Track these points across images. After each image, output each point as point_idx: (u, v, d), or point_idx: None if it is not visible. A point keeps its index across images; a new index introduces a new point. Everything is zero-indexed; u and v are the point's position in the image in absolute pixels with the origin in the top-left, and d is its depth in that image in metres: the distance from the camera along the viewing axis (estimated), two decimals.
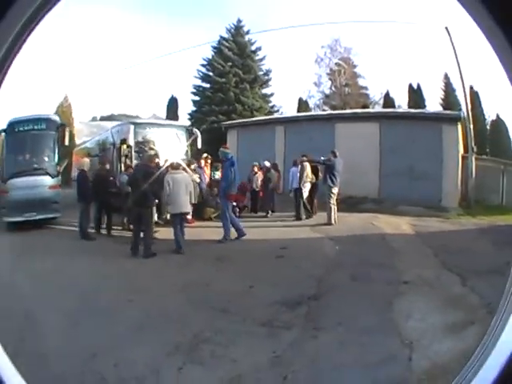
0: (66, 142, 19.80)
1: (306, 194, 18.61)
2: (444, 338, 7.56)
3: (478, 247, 12.91)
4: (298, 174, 18.78)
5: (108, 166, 18.19)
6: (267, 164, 20.32)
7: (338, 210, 17.28)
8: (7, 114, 18.08)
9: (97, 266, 12.56)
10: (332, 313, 8.86)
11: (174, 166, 15.01)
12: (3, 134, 17.92)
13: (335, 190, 17.23)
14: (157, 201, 14.80)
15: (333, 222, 16.96)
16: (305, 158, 18.85)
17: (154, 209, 15.04)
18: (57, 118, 19.31)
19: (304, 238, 15.30)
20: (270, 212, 19.30)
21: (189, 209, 14.82)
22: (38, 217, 17.01)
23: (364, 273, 11.20)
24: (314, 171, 19.08)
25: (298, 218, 18.44)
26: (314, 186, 19.16)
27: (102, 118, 31.96)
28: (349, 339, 7.63)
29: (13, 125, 17.93)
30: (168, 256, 13.50)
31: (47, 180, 17.78)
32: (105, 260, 13.22)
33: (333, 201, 17.21)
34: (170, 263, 12.94)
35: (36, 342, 7.56)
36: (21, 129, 17.97)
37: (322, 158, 17.73)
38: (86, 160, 17.99)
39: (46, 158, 18.35)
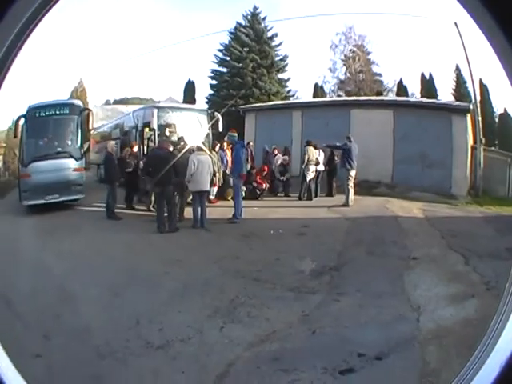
0: (91, 126, 20.45)
1: (309, 176, 19.72)
2: (447, 306, 8.85)
3: (482, 233, 13.84)
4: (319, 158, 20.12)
5: (136, 149, 19.04)
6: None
7: (354, 193, 18.20)
8: (23, 101, 18.56)
9: (128, 242, 13.55)
10: (351, 281, 10.31)
11: (197, 149, 16.15)
12: (22, 119, 18.17)
13: (353, 173, 18.29)
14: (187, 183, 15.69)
15: (350, 203, 17.93)
16: (305, 144, 20.28)
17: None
18: (80, 103, 19.73)
19: (322, 217, 16.38)
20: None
21: (208, 188, 16.05)
22: (60, 199, 17.45)
23: (378, 249, 12.48)
24: (331, 156, 20.37)
25: (309, 198, 19.67)
26: (331, 170, 20.47)
27: (116, 102, 32.23)
28: (366, 302, 9.00)
29: (33, 110, 18.30)
30: (197, 232, 14.73)
31: (72, 163, 18.22)
32: (135, 237, 14.25)
33: (351, 183, 18.21)
34: (201, 239, 14.13)
35: (77, 316, 8.48)
36: (42, 114, 18.28)
37: (338, 143, 18.93)
38: (112, 142, 18.61)
39: (69, 142, 18.74)
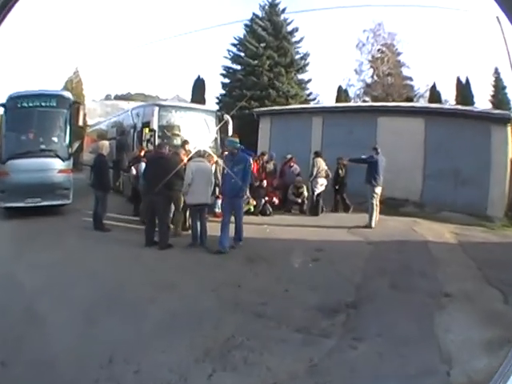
0: (80, 122, 19.64)
1: (317, 189, 19.56)
2: (482, 355, 7.84)
3: None
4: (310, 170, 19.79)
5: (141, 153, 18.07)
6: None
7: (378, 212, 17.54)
8: (7, 89, 17.89)
9: (114, 259, 12.85)
10: (371, 322, 9.32)
11: (200, 154, 15.28)
12: (2, 108, 17.72)
13: (378, 190, 17.54)
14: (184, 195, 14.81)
15: (373, 224, 17.27)
16: (313, 156, 20.39)
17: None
18: (69, 95, 19.21)
19: (341, 240, 15.70)
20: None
21: (209, 200, 14.97)
22: (43, 203, 16.96)
23: (404, 281, 11.61)
24: (340, 168, 20.30)
25: (315, 213, 19.58)
26: (341, 183, 20.34)
27: (117, 97, 32.09)
28: (388, 350, 8.00)
29: (15, 99, 17.75)
30: (195, 252, 13.90)
31: (57, 163, 17.69)
32: (123, 253, 13.50)
33: (376, 201, 17.50)
34: (199, 260, 13.15)
35: (42, 343, 7.67)
36: (25, 105, 17.74)
37: (363, 156, 18.20)
38: (106, 143, 17.77)
39: (56, 139, 18.17)
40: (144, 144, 19.47)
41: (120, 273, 11.86)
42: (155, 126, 19.20)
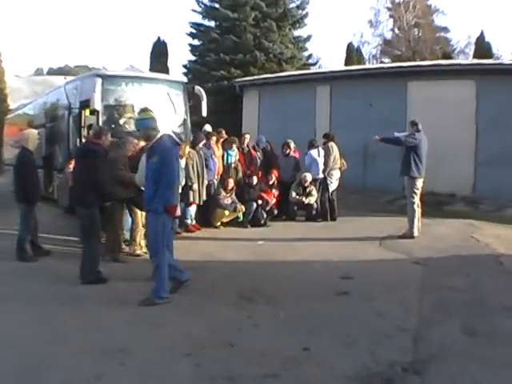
0: None
1: (333, 185, 19.28)
2: None
3: None
4: (319, 159, 19.38)
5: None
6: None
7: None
8: None
9: (39, 308, 10.42)
10: None
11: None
12: None
13: (420, 183, 16.03)
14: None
15: (416, 232, 15.77)
16: (316, 142, 20.19)
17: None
18: None
19: (374, 259, 14.03)
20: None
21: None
22: None
23: (482, 321, 9.69)
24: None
25: (325, 219, 19.31)
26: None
27: (51, 72, 31.66)
28: None
29: None
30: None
31: None
32: (54, 296, 11.23)
33: (417, 199, 16.02)
34: (165, 306, 10.67)
35: None
36: None
37: (396, 133, 16.60)
38: (32, 132, 15.81)
39: None
40: (84, 132, 18.33)
41: (48, 333, 9.29)
42: (98, 105, 17.49)
